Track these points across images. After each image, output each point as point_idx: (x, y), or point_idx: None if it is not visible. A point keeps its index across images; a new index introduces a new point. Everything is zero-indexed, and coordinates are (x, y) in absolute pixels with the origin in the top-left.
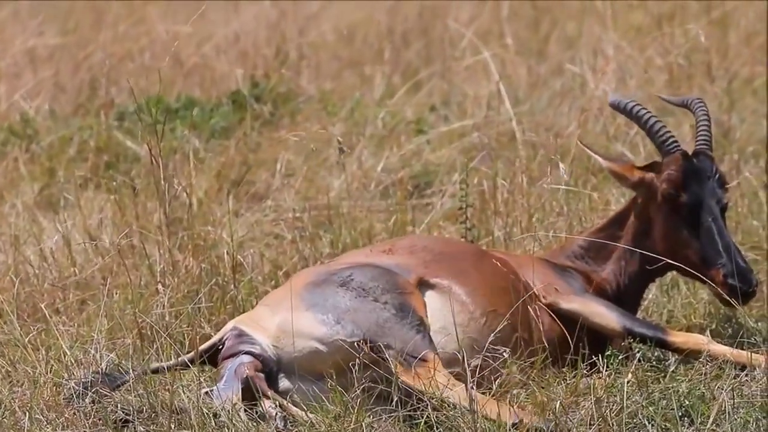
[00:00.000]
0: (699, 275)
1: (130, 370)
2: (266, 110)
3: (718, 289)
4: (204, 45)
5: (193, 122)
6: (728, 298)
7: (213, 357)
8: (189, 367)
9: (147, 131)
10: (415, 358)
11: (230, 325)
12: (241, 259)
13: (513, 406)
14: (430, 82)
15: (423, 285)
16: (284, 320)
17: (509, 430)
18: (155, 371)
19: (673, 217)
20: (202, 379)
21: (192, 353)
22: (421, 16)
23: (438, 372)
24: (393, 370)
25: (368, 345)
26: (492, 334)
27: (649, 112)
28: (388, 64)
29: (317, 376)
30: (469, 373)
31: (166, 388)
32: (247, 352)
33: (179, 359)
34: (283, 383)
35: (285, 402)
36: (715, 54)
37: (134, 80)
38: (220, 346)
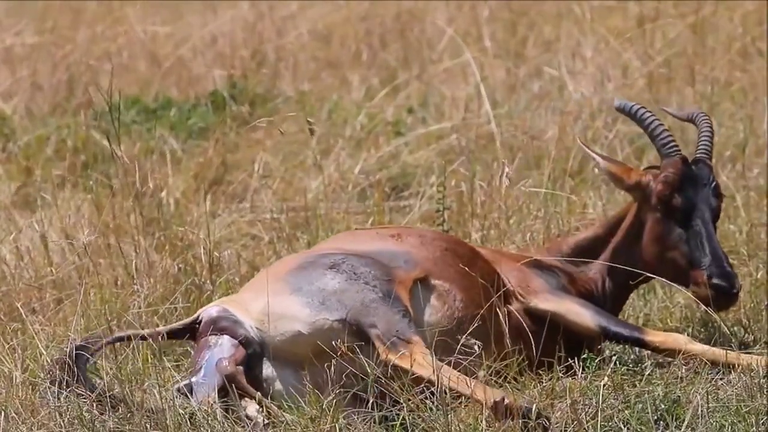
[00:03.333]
0: (682, 281)
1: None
2: (244, 111)
3: (701, 290)
4: (182, 46)
5: (170, 122)
6: (711, 297)
7: (191, 335)
8: (165, 338)
9: (124, 131)
10: (398, 338)
11: (213, 304)
12: (218, 260)
13: (484, 385)
14: (408, 84)
15: (424, 282)
16: (268, 303)
17: (490, 409)
18: (128, 338)
19: (665, 219)
20: (178, 378)
21: (166, 327)
22: (399, 18)
23: (418, 352)
24: (375, 350)
25: (351, 326)
26: (465, 334)
27: (653, 115)
28: (366, 66)
29: (298, 363)
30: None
31: (141, 387)
32: (229, 333)
33: (156, 329)
34: (267, 370)
35: (266, 400)
36: (695, 58)
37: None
38: (198, 323)
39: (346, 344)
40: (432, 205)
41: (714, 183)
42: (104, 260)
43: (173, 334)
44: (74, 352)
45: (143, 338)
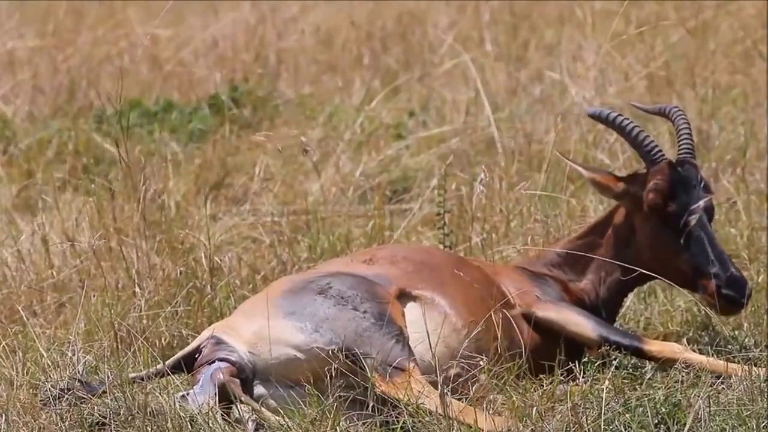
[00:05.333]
0: (690, 287)
1: (107, 379)
2: (245, 114)
3: (712, 298)
4: (183, 48)
5: (171, 125)
6: (721, 307)
7: (190, 364)
8: (165, 376)
9: (125, 134)
10: (393, 366)
11: (207, 332)
12: (219, 263)
13: (490, 414)
14: (409, 88)
15: (404, 296)
16: (261, 327)
17: None
18: (132, 381)
19: (661, 227)
20: (179, 383)
21: (169, 361)
22: (400, 21)
23: (415, 380)
24: (370, 379)
25: (346, 353)
26: (466, 341)
27: (631, 122)
28: (367, 69)
29: (293, 382)
30: (441, 381)
31: (143, 391)
32: (222, 359)
33: (157, 367)
34: (258, 389)
35: (258, 407)
36: (696, 61)
37: (113, 83)
38: (197, 355)
39: (340, 369)
40: (432, 208)
41: (703, 182)
42: (105, 263)
43: (179, 364)
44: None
45: (147, 378)
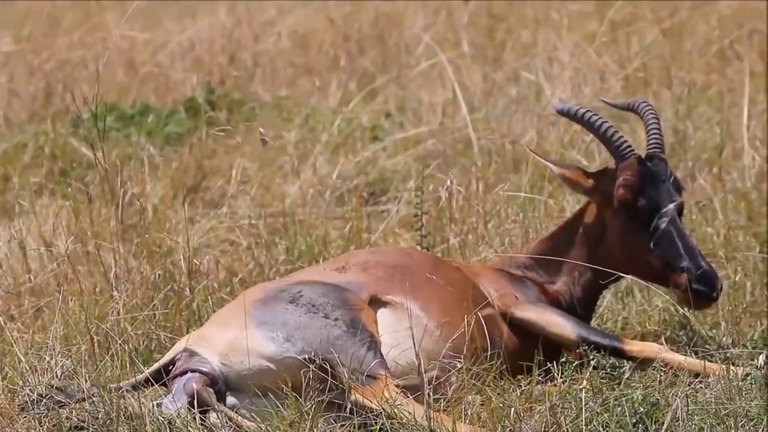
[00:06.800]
0: (661, 282)
1: (84, 382)
2: (221, 117)
3: (683, 293)
4: (159, 52)
5: (148, 129)
6: (692, 302)
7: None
8: (141, 388)
9: (101, 137)
10: (366, 375)
11: (180, 345)
12: (197, 266)
13: (468, 424)
14: (386, 89)
15: (376, 302)
16: (233, 338)
17: None
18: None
19: (631, 222)
20: (153, 391)
21: (144, 374)
22: (376, 23)
23: (389, 388)
24: (347, 384)
25: (319, 362)
26: (447, 344)
27: (600, 117)
28: (344, 71)
29: (266, 391)
30: (426, 388)
31: (120, 395)
32: (195, 370)
33: (134, 379)
34: (230, 400)
35: (233, 414)
36: (672, 62)
37: (89, 87)
38: (170, 367)
39: (312, 378)
40: (410, 210)
41: (672, 177)
42: (83, 267)
43: (157, 375)
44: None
45: (134, 387)
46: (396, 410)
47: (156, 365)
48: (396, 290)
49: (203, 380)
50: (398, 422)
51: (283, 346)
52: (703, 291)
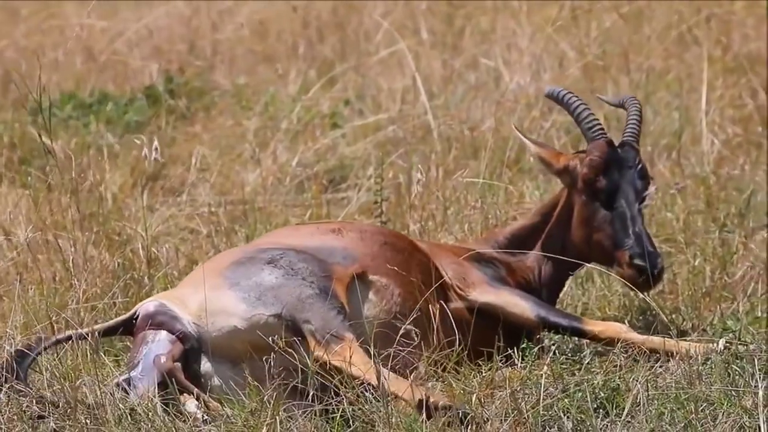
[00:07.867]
0: (608, 262)
1: (42, 345)
2: (181, 105)
3: (624, 270)
4: (117, 40)
5: (107, 117)
6: (630, 277)
7: (128, 331)
8: (103, 336)
9: (61, 127)
10: (332, 334)
11: (150, 299)
12: (157, 254)
13: (420, 387)
14: (345, 77)
15: (361, 277)
16: (205, 299)
17: (415, 407)
18: (67, 339)
19: (590, 201)
20: (116, 372)
21: (103, 325)
22: (335, 11)
23: (353, 351)
24: (309, 346)
25: (286, 322)
26: (403, 327)
27: (579, 99)
28: (303, 59)
29: (236, 358)
30: (375, 354)
31: (83, 383)
32: (166, 328)
33: (94, 327)
34: (204, 365)
35: (204, 396)
36: (630, 47)
37: (48, 75)
38: (135, 318)
39: (282, 339)
40: (370, 196)
41: (640, 165)
42: (42, 256)
43: (111, 331)
44: (16, 357)
45: (82, 337)
46: (352, 370)
47: (119, 318)
48: (383, 272)
49: (172, 355)
50: (359, 408)
51: (254, 304)
52: (641, 265)
